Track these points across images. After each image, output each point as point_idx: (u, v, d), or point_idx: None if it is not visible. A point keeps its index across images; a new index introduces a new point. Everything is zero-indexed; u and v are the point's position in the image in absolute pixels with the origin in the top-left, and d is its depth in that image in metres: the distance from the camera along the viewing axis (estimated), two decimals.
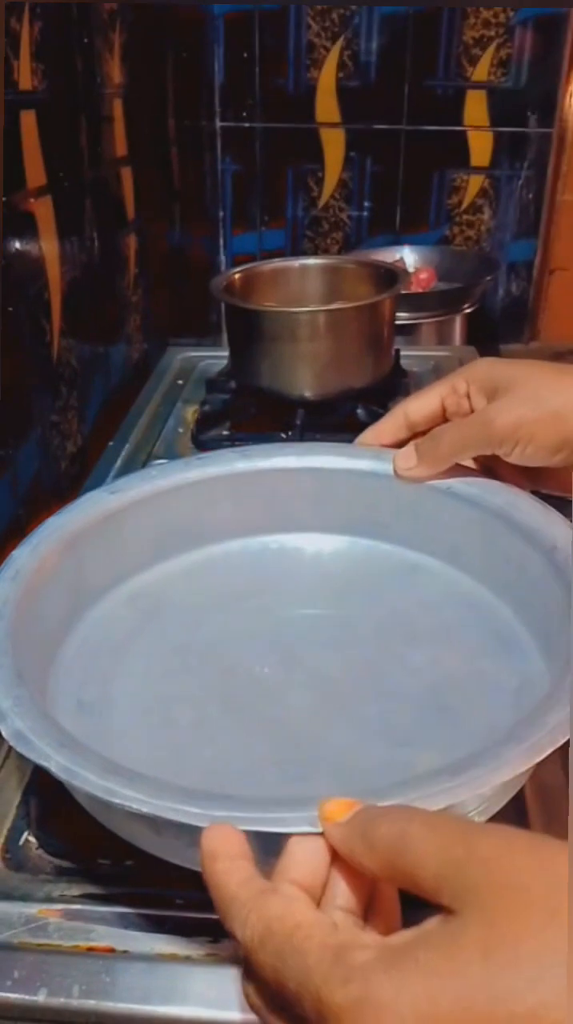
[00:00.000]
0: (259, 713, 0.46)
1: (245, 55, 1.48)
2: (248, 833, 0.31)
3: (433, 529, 0.55)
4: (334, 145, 1.55)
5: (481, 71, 1.47)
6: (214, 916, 0.39)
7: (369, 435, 0.56)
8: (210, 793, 0.34)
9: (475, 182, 1.55)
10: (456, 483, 0.53)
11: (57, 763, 0.35)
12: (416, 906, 0.26)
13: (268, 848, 0.32)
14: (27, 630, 0.45)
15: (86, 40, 0.81)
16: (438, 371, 0.98)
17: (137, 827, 0.38)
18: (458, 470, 0.53)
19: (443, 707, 0.45)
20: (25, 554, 0.48)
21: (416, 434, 0.54)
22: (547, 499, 0.51)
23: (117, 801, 0.33)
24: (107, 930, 0.40)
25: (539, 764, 0.34)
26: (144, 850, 0.39)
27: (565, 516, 0.48)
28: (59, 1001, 0.37)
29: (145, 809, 0.32)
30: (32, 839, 0.44)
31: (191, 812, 0.32)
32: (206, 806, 0.32)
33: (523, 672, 0.46)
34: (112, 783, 0.34)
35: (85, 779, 0.34)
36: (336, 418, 0.83)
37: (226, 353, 0.92)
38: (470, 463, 0.53)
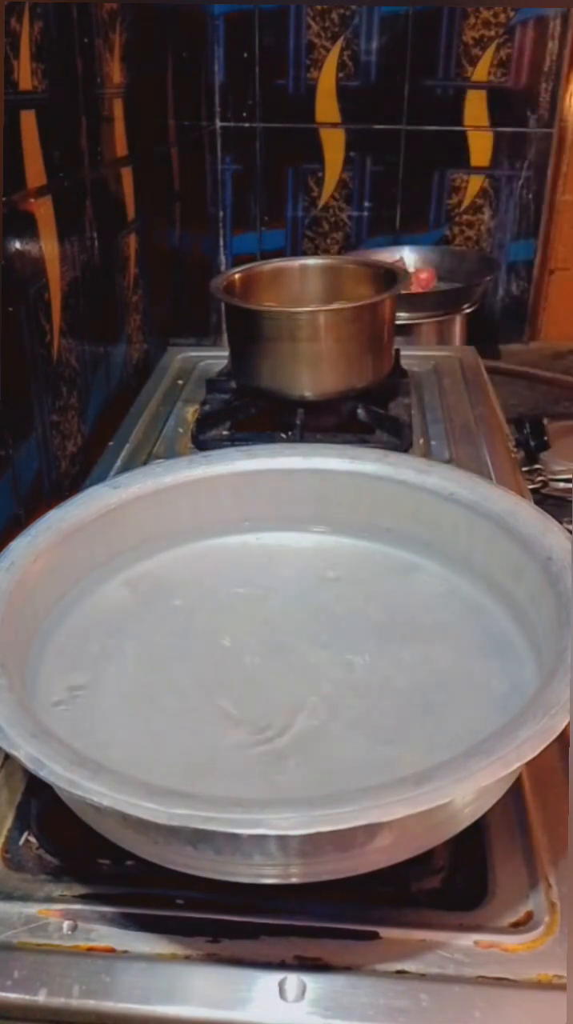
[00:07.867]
0: (244, 705, 0.46)
1: (245, 55, 1.48)
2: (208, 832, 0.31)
3: (434, 533, 0.55)
4: (334, 145, 1.55)
5: (481, 71, 1.47)
6: (214, 916, 0.39)
7: None
8: (173, 790, 0.34)
9: (475, 182, 1.55)
10: (458, 489, 0.53)
11: (26, 753, 0.35)
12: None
13: (229, 846, 0.32)
14: (19, 619, 0.45)
15: (86, 40, 0.81)
16: (438, 371, 0.98)
17: (131, 833, 0.38)
18: (462, 475, 0.53)
19: (430, 707, 0.45)
20: (22, 545, 0.48)
21: None
22: (548, 500, 0.51)
23: (79, 793, 0.33)
24: (107, 930, 0.40)
25: (538, 761, 0.34)
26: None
27: (566, 517, 0.48)
28: (59, 1001, 0.37)
29: (105, 802, 0.33)
30: (32, 839, 0.44)
31: (150, 808, 0.32)
32: (166, 803, 0.33)
33: (515, 677, 0.46)
34: (77, 775, 0.34)
35: (51, 770, 0.34)
36: (336, 418, 0.83)
37: (226, 353, 0.92)
38: None
